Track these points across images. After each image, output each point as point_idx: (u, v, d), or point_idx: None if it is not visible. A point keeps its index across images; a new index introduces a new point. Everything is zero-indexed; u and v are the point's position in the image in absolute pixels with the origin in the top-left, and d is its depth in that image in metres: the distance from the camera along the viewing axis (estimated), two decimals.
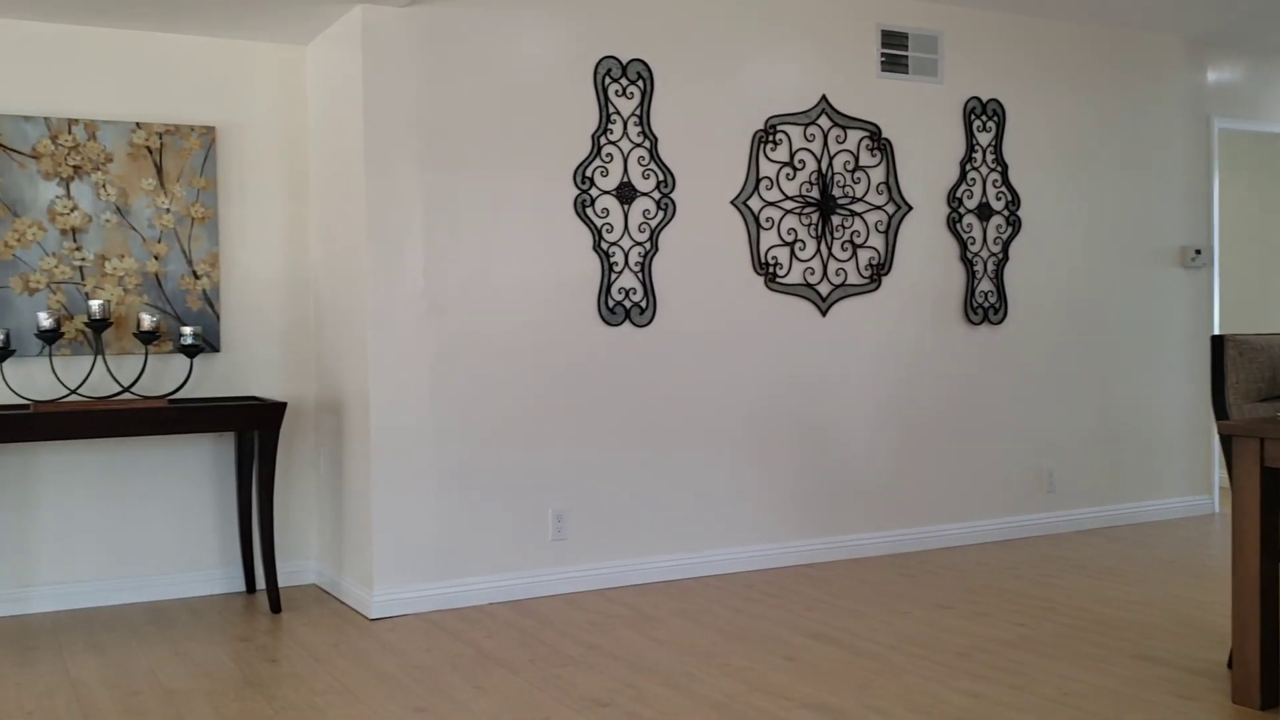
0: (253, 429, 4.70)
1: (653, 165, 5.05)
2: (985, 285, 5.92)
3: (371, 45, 4.55)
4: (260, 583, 5.05)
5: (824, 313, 5.48)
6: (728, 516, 5.27)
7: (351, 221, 4.72)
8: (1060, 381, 6.18)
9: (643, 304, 5.05)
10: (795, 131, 5.39)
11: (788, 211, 5.37)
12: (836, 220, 5.49)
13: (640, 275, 5.04)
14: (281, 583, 5.02)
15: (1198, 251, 6.58)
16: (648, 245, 5.05)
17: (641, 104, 5.03)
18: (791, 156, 5.37)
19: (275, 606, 4.67)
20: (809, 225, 5.43)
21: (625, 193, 5.00)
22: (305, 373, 5.20)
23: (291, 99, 5.16)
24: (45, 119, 4.68)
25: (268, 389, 5.10)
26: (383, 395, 4.58)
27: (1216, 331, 6.73)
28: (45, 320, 4.46)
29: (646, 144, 5.04)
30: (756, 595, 4.84)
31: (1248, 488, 3.43)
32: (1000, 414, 5.99)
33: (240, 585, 5.06)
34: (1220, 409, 3.76)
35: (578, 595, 4.86)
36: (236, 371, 5.05)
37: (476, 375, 4.74)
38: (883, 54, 5.62)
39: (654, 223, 5.06)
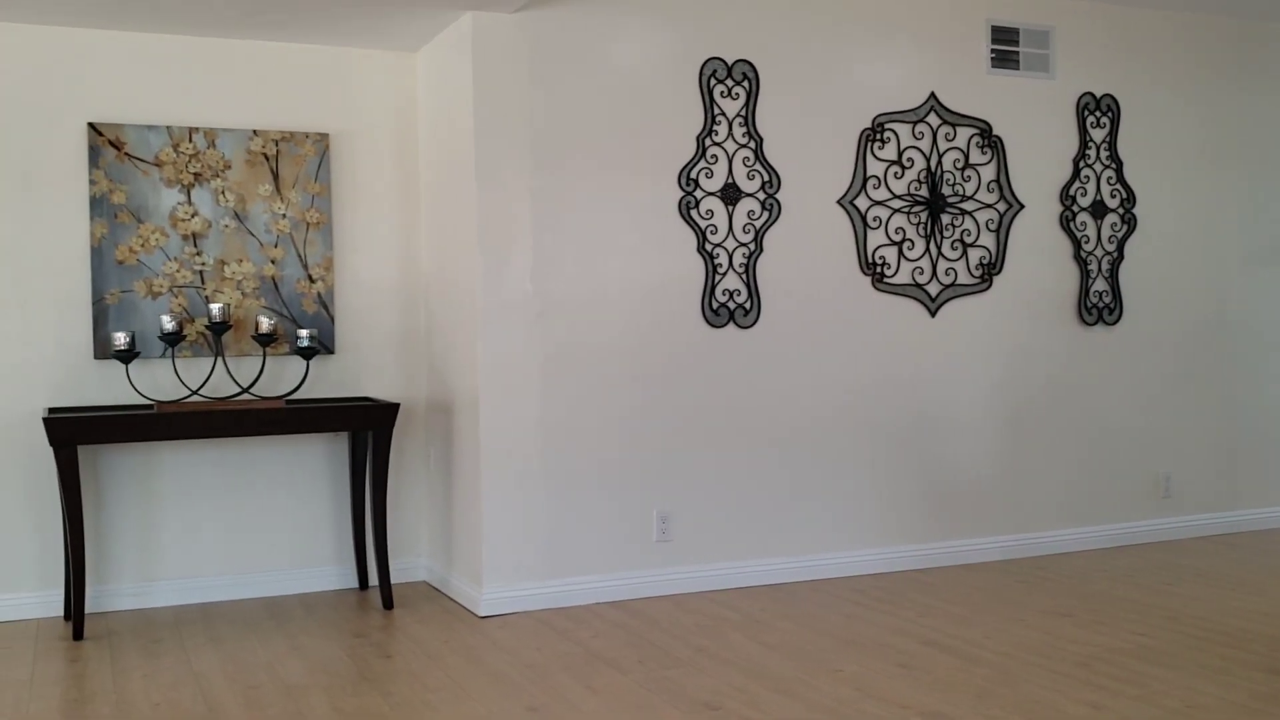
0: (367, 429, 4.79)
1: (758, 166, 5.03)
2: (1100, 285, 5.77)
3: (481, 51, 4.61)
4: (373, 579, 5.15)
5: (933, 313, 5.39)
6: (834, 520, 5.22)
7: (462, 226, 4.78)
8: (1177, 384, 5.99)
9: (747, 305, 5.02)
10: (903, 129, 5.31)
11: (896, 211, 5.30)
12: (946, 219, 5.40)
13: (744, 276, 5.02)
14: (393, 579, 5.11)
15: None
16: (752, 246, 5.03)
17: (747, 104, 5.00)
18: (900, 155, 5.30)
19: (388, 603, 4.76)
20: (918, 224, 5.35)
21: (730, 194, 4.98)
22: (416, 374, 5.28)
23: (402, 105, 5.25)
24: (167, 128, 4.83)
25: (380, 390, 5.20)
26: (492, 397, 4.64)
27: None
28: (168, 323, 4.61)
29: (751, 144, 5.02)
30: (867, 601, 4.78)
31: None
32: (1115, 417, 5.83)
33: (353, 582, 5.17)
34: None
35: (683, 597, 4.86)
36: (350, 373, 5.15)
37: (583, 378, 4.77)
38: (993, 50, 5.51)
39: (758, 223, 5.04)
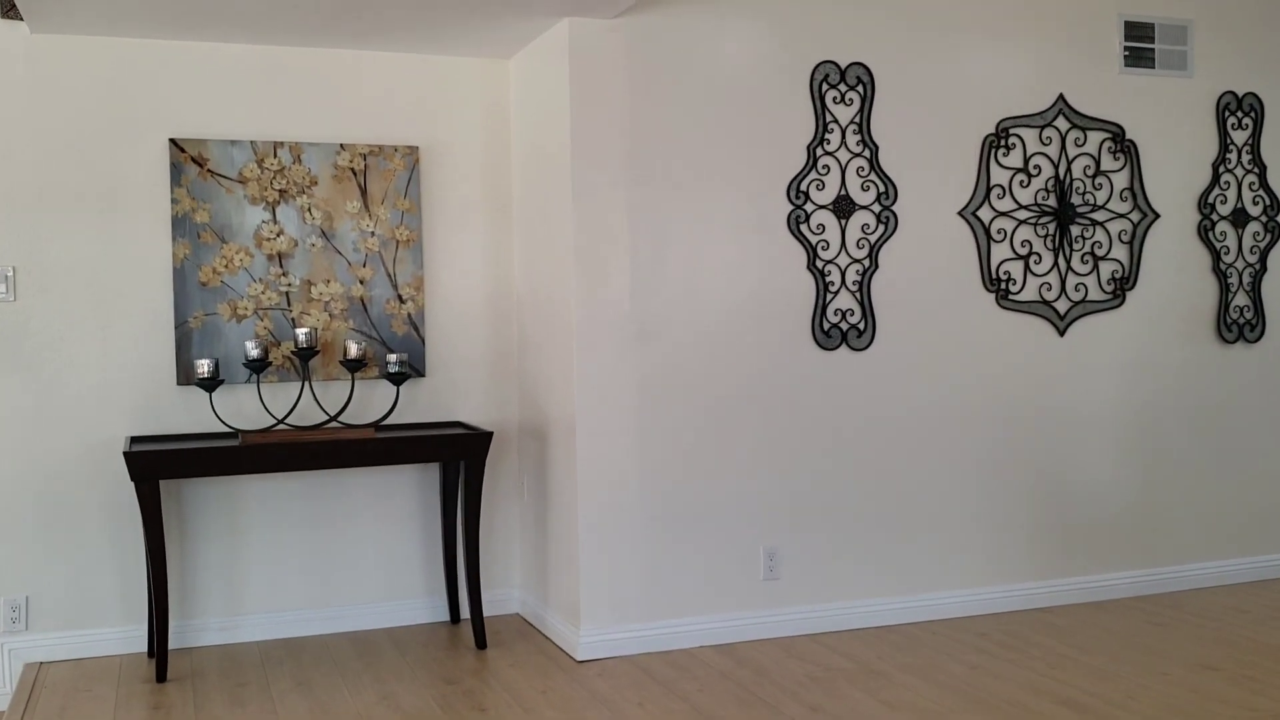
0: (459, 459, 4.55)
1: (872, 176, 4.68)
2: (1240, 299, 5.32)
3: (579, 59, 4.33)
4: (464, 612, 4.92)
5: (1061, 332, 5.00)
6: (954, 556, 4.87)
7: (556, 242, 4.51)
8: None
9: (860, 325, 4.68)
10: (1029, 135, 4.92)
11: (1021, 222, 4.91)
12: (1075, 231, 5.00)
13: (858, 295, 4.68)
14: (486, 613, 4.88)
15: None
16: (866, 262, 4.68)
17: (861, 110, 4.66)
18: (1025, 162, 4.91)
19: (481, 642, 4.53)
20: (1045, 237, 4.95)
21: (843, 206, 4.64)
22: (508, 398, 5.04)
23: (494, 116, 4.99)
24: (251, 143, 4.63)
25: (471, 414, 4.96)
26: (589, 423, 4.37)
27: None
28: (253, 350, 4.41)
29: (866, 153, 4.67)
30: (991, 647, 4.43)
31: None
32: (1256, 440, 5.38)
33: (444, 615, 4.94)
34: None
35: (792, 640, 4.55)
36: (441, 396, 4.92)
37: (685, 403, 4.47)
38: (1126, 48, 5.08)
39: (873, 238, 4.69)
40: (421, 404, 4.89)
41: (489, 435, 4.50)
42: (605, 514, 4.39)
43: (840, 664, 4.25)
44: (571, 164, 4.33)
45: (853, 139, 4.65)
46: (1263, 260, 5.37)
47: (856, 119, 4.65)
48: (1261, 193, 5.36)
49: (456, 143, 4.95)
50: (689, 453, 4.48)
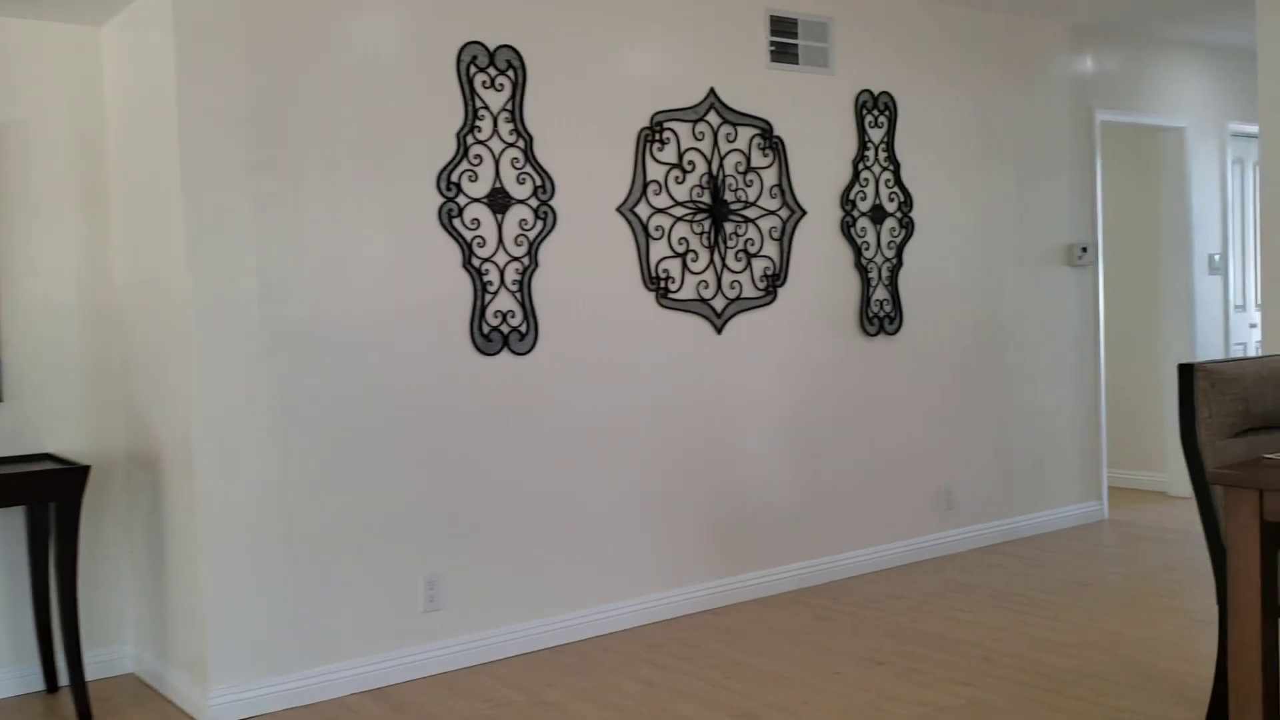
0: (48, 500, 3.80)
1: (528, 168, 4.36)
2: (880, 293, 5.47)
3: (186, 27, 3.71)
4: (63, 678, 4.16)
5: (719, 330, 4.91)
6: (623, 564, 4.66)
7: (166, 239, 3.86)
8: (956, 392, 5.80)
9: (522, 328, 4.36)
10: (684, 129, 4.78)
11: (678, 219, 4.77)
12: (729, 228, 4.92)
13: (518, 295, 4.35)
14: (92, 675, 4.14)
15: (1084, 250, 6.32)
16: (526, 260, 4.36)
17: (513, 97, 4.33)
18: (680, 157, 4.77)
19: (84, 713, 3.80)
20: (701, 234, 4.84)
21: (498, 200, 4.30)
22: (111, 422, 4.30)
23: (87, 91, 4.25)
24: None
25: (64, 444, 4.20)
26: (211, 447, 3.76)
27: (1101, 331, 6.50)
28: None
29: (521, 144, 4.35)
30: (665, 660, 4.24)
31: (1245, 544, 3.00)
32: (899, 429, 5.56)
33: (39, 684, 4.15)
34: (1191, 447, 3.36)
35: (459, 675, 4.15)
36: (24, 425, 4.12)
37: (328, 420, 3.96)
38: (772, 42, 5.07)
39: (532, 234, 4.38)
40: (2, 434, 4.07)
41: (85, 470, 3.79)
42: (234, 552, 3.80)
43: (510, 697, 3.90)
44: (180, 146, 3.71)
45: (505, 128, 4.31)
46: (899, 255, 5.55)
47: (509, 106, 4.32)
48: (896, 189, 5.54)
49: (44, 122, 4.16)
50: (334, 476, 3.98)
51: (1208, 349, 7.12)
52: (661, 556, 4.76)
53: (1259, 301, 7.43)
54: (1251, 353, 7.44)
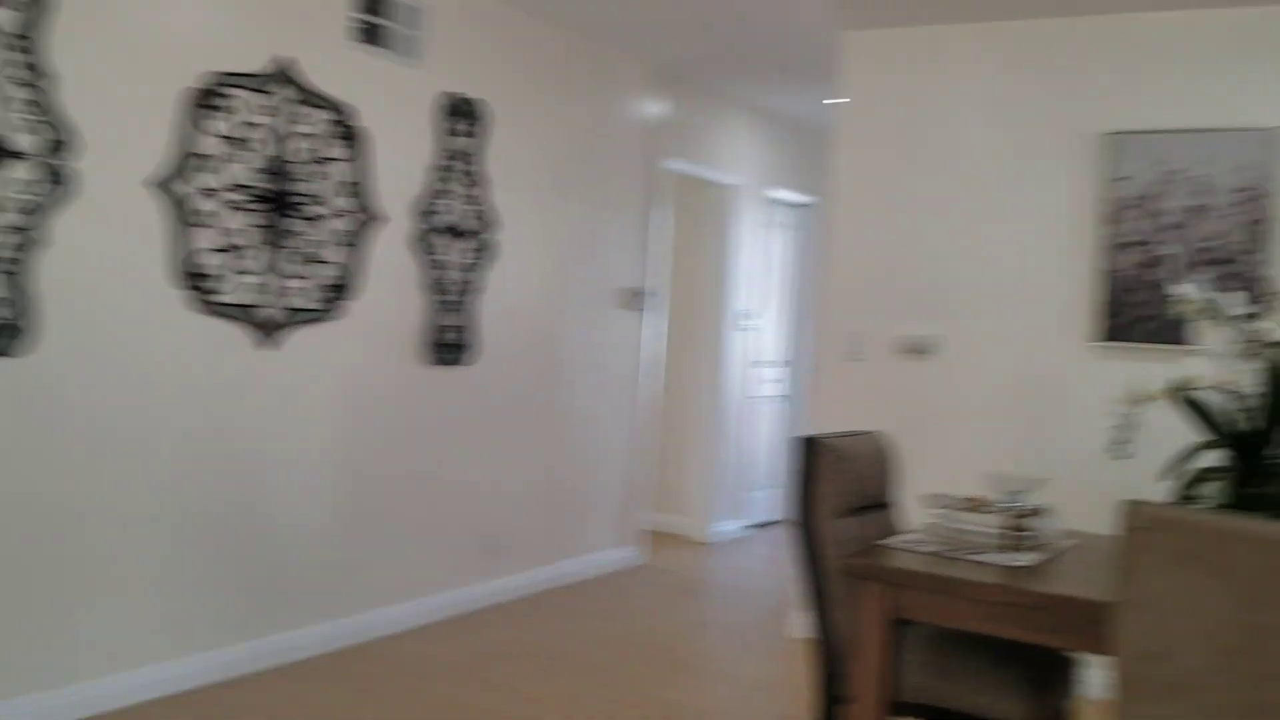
0: None
1: (42, 115, 3.34)
2: (451, 319, 4.93)
3: None
4: None
5: (270, 346, 4.11)
6: (127, 627, 3.70)
7: None
8: (516, 431, 5.39)
9: (19, 324, 3.31)
10: (245, 98, 3.95)
11: (235, 207, 3.93)
12: (293, 225, 4.15)
13: (10, 279, 3.30)
14: None
15: (638, 293, 6.20)
16: (26, 235, 3.33)
17: (28, 17, 3.30)
18: (238, 132, 3.93)
19: None
20: (259, 228, 4.03)
21: None
22: None
23: None
24: None
25: None
26: None
27: (646, 376, 6.41)
28: None
29: (33, 80, 3.32)
30: None
31: (872, 640, 2.83)
32: (455, 469, 5.04)
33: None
34: (808, 523, 3.15)
35: None
36: None
37: None
38: (358, 18, 4.39)
39: (36, 201, 3.35)
40: None
41: None
42: None
43: None
44: None
45: (18, 59, 3.27)
46: (478, 279, 5.04)
47: (21, 31, 3.28)
48: (480, 207, 5.04)
49: None
50: None
51: (733, 399, 7.31)
52: (173, 616, 3.85)
53: (789, 358, 7.80)
54: (769, 405, 7.77)
